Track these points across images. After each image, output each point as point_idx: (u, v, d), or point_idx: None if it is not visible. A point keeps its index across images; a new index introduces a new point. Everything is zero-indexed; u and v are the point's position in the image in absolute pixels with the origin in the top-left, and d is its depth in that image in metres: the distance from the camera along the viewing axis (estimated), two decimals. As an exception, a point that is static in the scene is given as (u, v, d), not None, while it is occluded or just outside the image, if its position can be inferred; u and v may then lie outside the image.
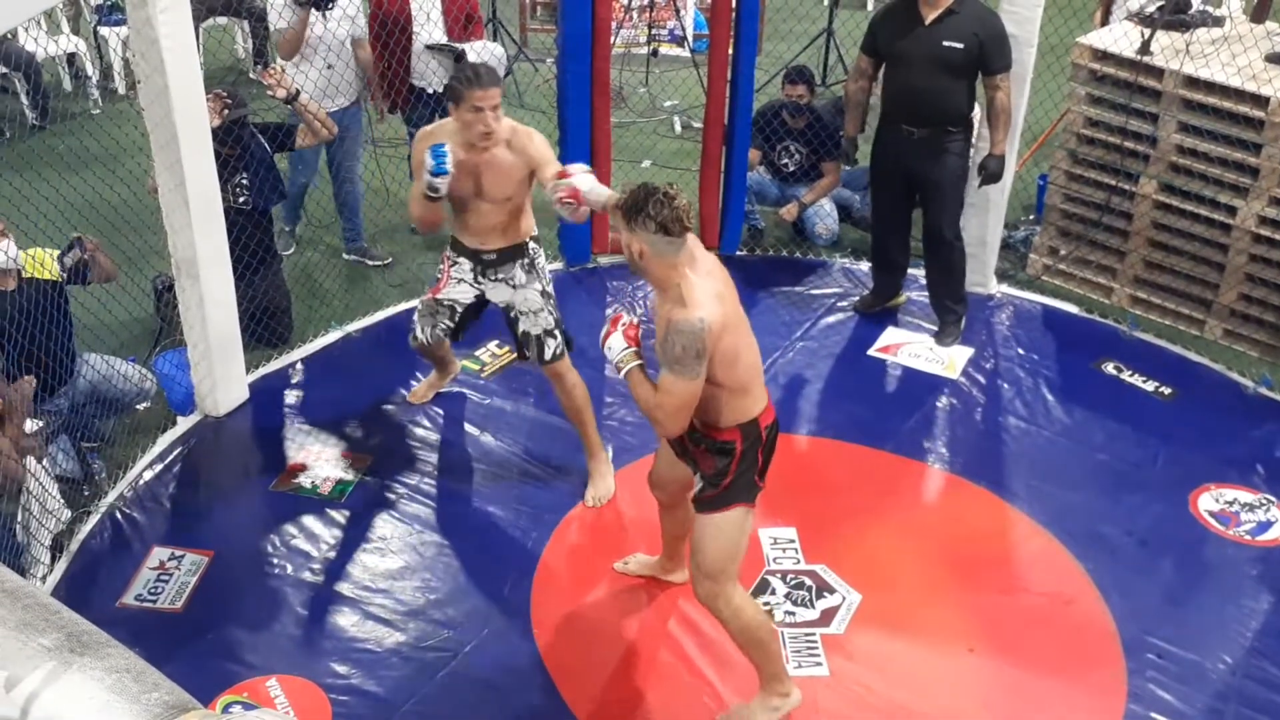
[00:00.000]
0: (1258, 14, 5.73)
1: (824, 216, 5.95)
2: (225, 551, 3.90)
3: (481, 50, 5.76)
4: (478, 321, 4.33)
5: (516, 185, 3.91)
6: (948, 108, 4.74)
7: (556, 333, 4.08)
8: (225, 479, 4.35)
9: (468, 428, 4.52)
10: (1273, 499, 4.23)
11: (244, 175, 4.80)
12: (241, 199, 4.79)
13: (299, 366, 4.89)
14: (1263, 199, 5.01)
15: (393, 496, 4.15)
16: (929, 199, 4.96)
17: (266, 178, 4.89)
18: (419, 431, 4.48)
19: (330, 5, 5.19)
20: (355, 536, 3.97)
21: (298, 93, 4.90)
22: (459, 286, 4.11)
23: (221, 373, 4.48)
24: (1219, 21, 5.57)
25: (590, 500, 4.15)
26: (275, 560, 3.88)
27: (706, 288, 3.01)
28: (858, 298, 5.41)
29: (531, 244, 4.08)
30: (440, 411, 4.60)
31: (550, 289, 4.13)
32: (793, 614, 3.70)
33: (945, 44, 4.61)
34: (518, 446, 4.43)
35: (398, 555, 3.91)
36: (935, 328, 5.19)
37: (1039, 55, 5.13)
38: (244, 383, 4.64)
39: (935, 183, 4.87)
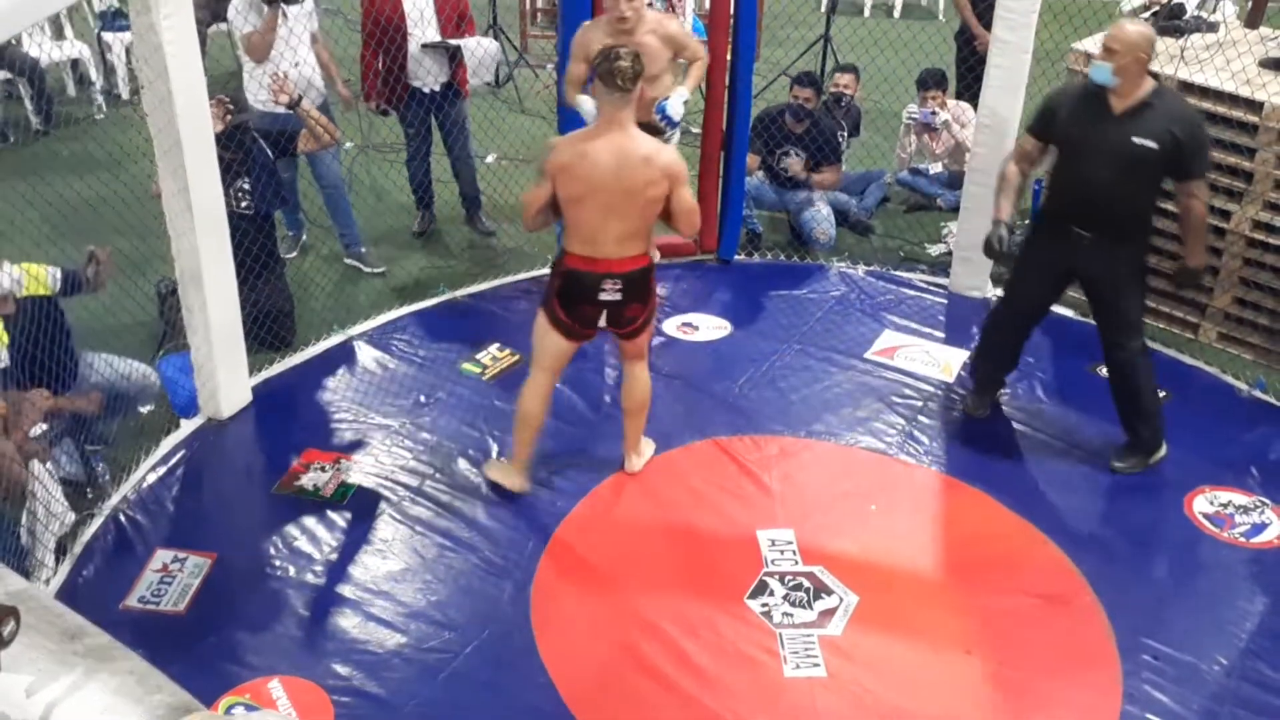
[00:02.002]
0: (1252, 19, 5.78)
1: (821, 221, 5.99)
2: (228, 554, 3.93)
3: (476, 47, 5.88)
4: None
5: (661, 65, 4.88)
6: (1128, 212, 4.17)
7: None
8: (228, 482, 4.38)
9: (470, 430, 4.55)
10: (1267, 501, 4.26)
11: (246, 180, 4.83)
12: (244, 204, 4.83)
13: (302, 370, 4.93)
14: (1257, 203, 5.04)
15: (394, 499, 4.18)
16: (1105, 307, 4.34)
17: (269, 183, 4.93)
18: (422, 434, 4.51)
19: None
20: (357, 538, 4.00)
21: (300, 98, 4.94)
22: None
23: (224, 376, 4.51)
24: (1213, 27, 5.61)
25: None
26: (278, 562, 3.91)
27: (585, 141, 3.75)
28: (963, 402, 4.80)
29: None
30: (442, 414, 4.63)
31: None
32: (790, 615, 3.73)
33: (1135, 140, 4.01)
34: (518, 449, 4.46)
35: (399, 557, 3.94)
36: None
37: (1034, 61, 5.17)
38: (247, 386, 4.67)
39: (1113, 286, 4.26)
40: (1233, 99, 5.03)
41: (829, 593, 3.82)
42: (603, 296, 3.88)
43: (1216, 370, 5.10)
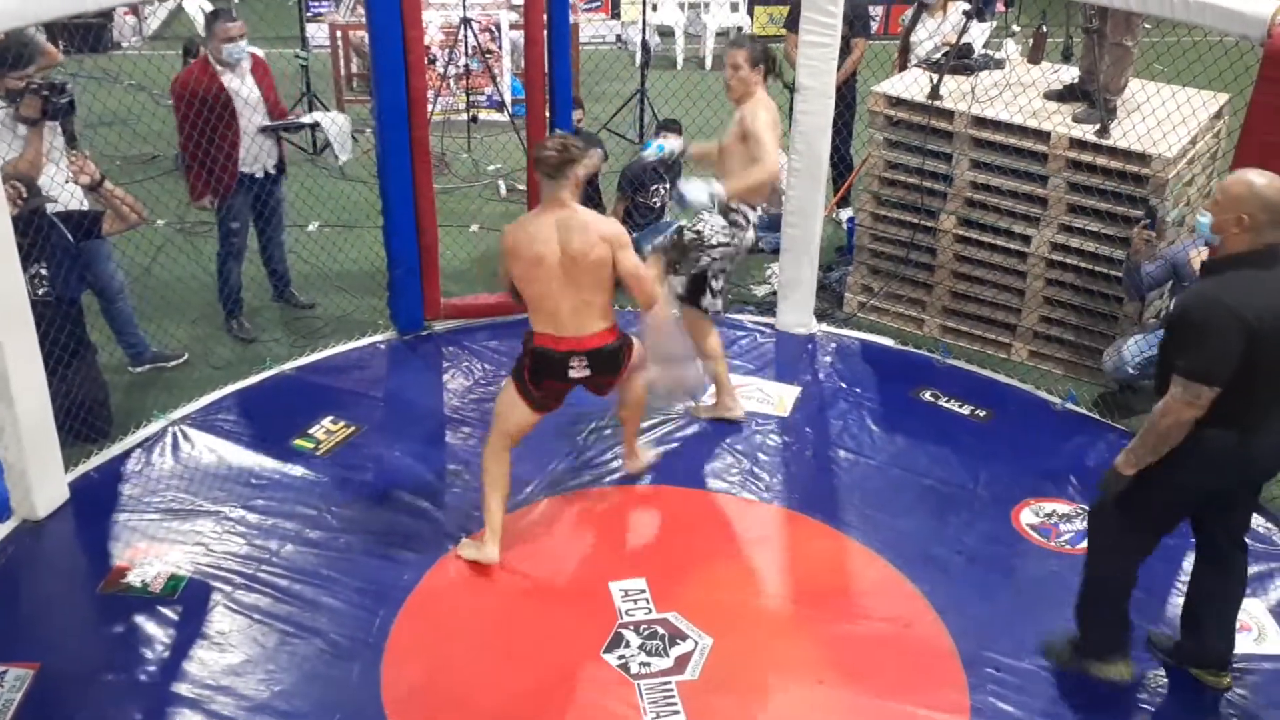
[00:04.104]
0: (1034, 55, 6.17)
1: None
2: (53, 663, 3.69)
3: (341, 120, 5.93)
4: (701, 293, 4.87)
5: (740, 140, 4.64)
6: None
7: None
8: (49, 585, 4.13)
9: (306, 510, 4.41)
10: (1087, 508, 4.47)
11: (41, 265, 4.60)
12: (42, 290, 4.60)
13: (122, 460, 4.69)
14: (1053, 227, 5.36)
15: (229, 588, 4.00)
16: None
17: (72, 267, 4.72)
18: (253, 517, 4.35)
19: (69, 113, 4.69)
20: (191, 633, 3.82)
21: (103, 179, 4.76)
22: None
23: (37, 473, 4.27)
24: (1000, 64, 5.98)
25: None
26: (107, 666, 3.68)
27: (532, 222, 4.02)
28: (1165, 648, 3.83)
29: (744, 206, 4.69)
30: (275, 494, 4.48)
31: (725, 260, 4.75)
32: (648, 664, 3.73)
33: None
34: (358, 524, 4.34)
35: (238, 649, 3.77)
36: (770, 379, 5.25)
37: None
38: (63, 482, 4.43)
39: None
40: (1022, 131, 5.35)
41: (684, 638, 3.83)
42: (571, 374, 4.05)
43: (1030, 387, 5.37)
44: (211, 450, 4.75)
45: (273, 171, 5.66)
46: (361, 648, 3.77)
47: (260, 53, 5.71)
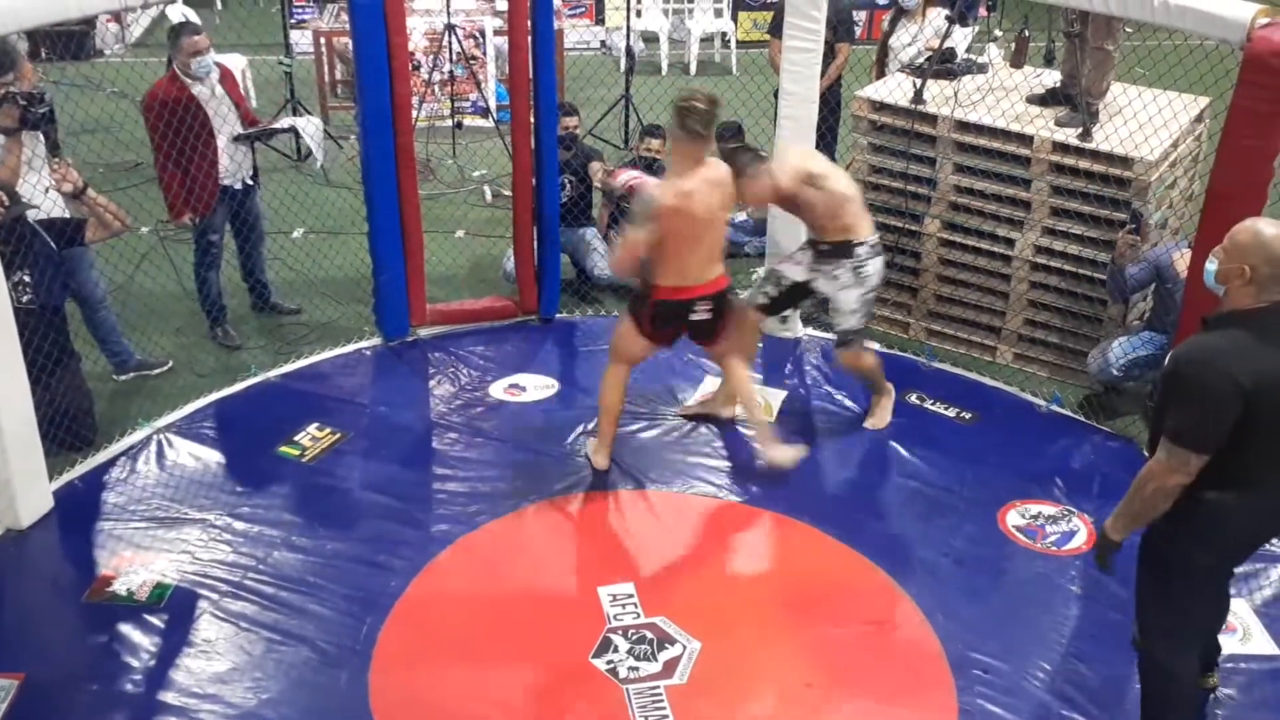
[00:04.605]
0: (1016, 59, 6.20)
1: (591, 252, 6.17)
2: (38, 672, 3.66)
3: (314, 120, 5.92)
4: (794, 309, 5.20)
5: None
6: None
7: (853, 334, 4.85)
8: (33, 595, 4.10)
9: (292, 517, 4.39)
10: (1073, 510, 4.51)
11: (24, 273, 4.58)
12: (25, 298, 4.57)
13: (107, 469, 4.67)
14: (1036, 230, 5.39)
15: (215, 596, 3.99)
16: None
17: (55, 275, 4.69)
18: (239, 525, 4.33)
19: (49, 123, 4.67)
20: (178, 641, 3.80)
21: (85, 186, 4.74)
22: (794, 266, 4.89)
23: (21, 482, 4.25)
24: (982, 69, 6.01)
25: (869, 425, 5.02)
26: (93, 676, 3.66)
27: (684, 183, 4.18)
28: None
29: (861, 248, 4.70)
30: (261, 502, 4.47)
31: (871, 296, 4.82)
32: (636, 669, 3.73)
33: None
34: (345, 531, 4.33)
35: (224, 657, 3.75)
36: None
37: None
38: (47, 491, 4.41)
39: (1139, 558, 3.26)
40: (1005, 135, 5.38)
41: (672, 642, 3.83)
42: (694, 318, 4.39)
43: (1016, 389, 5.39)
44: (196, 458, 4.74)
45: (250, 183, 5.63)
46: (349, 655, 3.76)
47: (243, 62, 5.68)
